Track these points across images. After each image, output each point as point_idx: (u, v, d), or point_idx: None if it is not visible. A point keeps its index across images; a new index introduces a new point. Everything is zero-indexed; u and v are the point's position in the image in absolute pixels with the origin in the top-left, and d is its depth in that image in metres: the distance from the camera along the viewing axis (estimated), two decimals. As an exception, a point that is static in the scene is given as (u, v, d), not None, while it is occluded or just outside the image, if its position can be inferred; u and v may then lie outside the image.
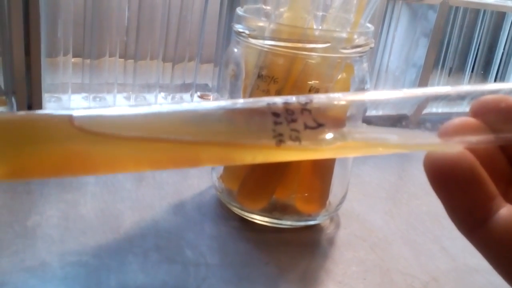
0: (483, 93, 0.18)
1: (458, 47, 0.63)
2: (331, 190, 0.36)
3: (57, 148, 0.16)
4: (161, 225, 0.34)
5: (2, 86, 0.43)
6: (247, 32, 0.32)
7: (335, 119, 0.18)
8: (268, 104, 0.17)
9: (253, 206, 0.35)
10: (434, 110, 0.58)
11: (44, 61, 0.42)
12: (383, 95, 0.19)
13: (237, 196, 0.36)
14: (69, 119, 0.16)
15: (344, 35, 0.32)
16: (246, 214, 0.36)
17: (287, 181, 0.35)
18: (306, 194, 0.36)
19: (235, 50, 0.35)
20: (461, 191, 0.17)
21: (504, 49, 0.66)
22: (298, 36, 0.31)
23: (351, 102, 0.19)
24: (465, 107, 0.58)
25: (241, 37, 0.33)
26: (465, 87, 0.18)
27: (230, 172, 0.37)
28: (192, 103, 0.18)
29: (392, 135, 0.18)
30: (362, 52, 0.33)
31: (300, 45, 0.31)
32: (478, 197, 0.17)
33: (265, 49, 0.32)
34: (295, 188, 0.35)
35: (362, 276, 0.32)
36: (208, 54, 0.52)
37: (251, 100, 0.18)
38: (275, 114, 0.17)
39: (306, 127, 0.17)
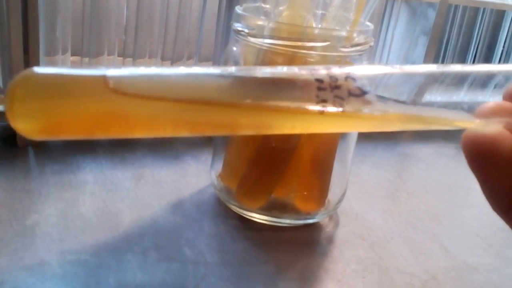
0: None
1: (458, 45, 0.63)
2: (330, 188, 0.36)
3: (91, 107, 0.16)
4: (160, 223, 0.34)
5: (1, 85, 0.43)
6: (246, 30, 0.32)
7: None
8: (311, 70, 0.17)
9: (252, 205, 0.35)
10: (433, 98, 0.58)
11: (42, 59, 0.42)
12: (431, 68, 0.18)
13: (236, 195, 0.36)
14: (103, 80, 0.16)
15: (343, 33, 0.32)
16: (245, 212, 0.36)
17: (286, 179, 0.35)
18: (305, 193, 0.36)
19: (234, 48, 0.35)
20: (500, 170, 0.16)
21: (503, 47, 0.66)
22: (297, 34, 0.31)
23: (399, 72, 0.18)
24: (463, 96, 0.58)
25: (240, 36, 0.33)
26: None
27: (229, 170, 0.37)
28: (232, 67, 0.18)
29: (431, 112, 0.18)
30: (362, 51, 0.33)
31: (299, 43, 0.31)
32: None
33: (264, 48, 0.32)
34: (294, 187, 0.35)
35: (361, 275, 0.32)
36: (206, 53, 0.52)
37: (293, 68, 0.17)
38: (319, 80, 0.17)
39: (350, 94, 0.17)
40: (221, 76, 0.17)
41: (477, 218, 0.41)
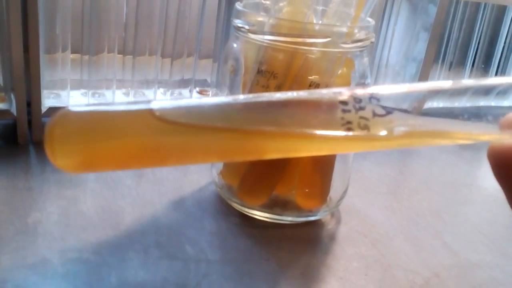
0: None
1: (459, 41, 0.63)
2: (332, 185, 0.36)
3: (137, 139, 0.17)
4: (162, 221, 0.34)
5: (1, 83, 0.43)
6: (246, 27, 0.32)
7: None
8: (334, 93, 0.17)
9: (254, 202, 0.35)
10: (435, 104, 0.58)
11: (42, 57, 0.42)
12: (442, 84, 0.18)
13: (237, 192, 0.36)
14: (149, 111, 0.17)
15: (344, 29, 0.31)
16: (247, 210, 0.36)
17: (287, 176, 0.35)
18: (306, 190, 0.36)
19: (234, 45, 0.35)
20: None
21: (504, 43, 0.65)
22: (298, 30, 0.31)
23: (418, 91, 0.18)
24: (465, 102, 0.57)
25: (240, 32, 0.33)
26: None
27: (230, 168, 0.37)
28: (261, 94, 0.18)
29: (455, 126, 0.18)
30: (363, 47, 0.33)
31: (300, 40, 0.31)
32: None
33: (265, 44, 0.32)
34: (295, 184, 0.35)
35: (363, 272, 0.32)
36: (207, 50, 0.51)
37: (316, 91, 0.18)
38: (343, 102, 0.17)
39: (375, 114, 0.17)
40: (248, 103, 0.18)
41: (479, 215, 0.41)
